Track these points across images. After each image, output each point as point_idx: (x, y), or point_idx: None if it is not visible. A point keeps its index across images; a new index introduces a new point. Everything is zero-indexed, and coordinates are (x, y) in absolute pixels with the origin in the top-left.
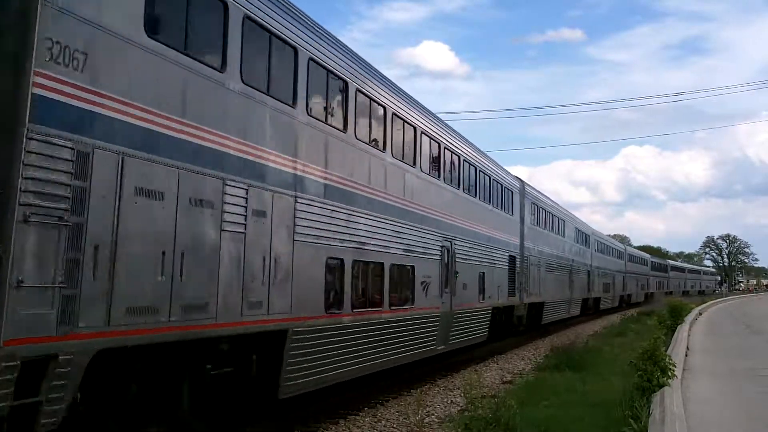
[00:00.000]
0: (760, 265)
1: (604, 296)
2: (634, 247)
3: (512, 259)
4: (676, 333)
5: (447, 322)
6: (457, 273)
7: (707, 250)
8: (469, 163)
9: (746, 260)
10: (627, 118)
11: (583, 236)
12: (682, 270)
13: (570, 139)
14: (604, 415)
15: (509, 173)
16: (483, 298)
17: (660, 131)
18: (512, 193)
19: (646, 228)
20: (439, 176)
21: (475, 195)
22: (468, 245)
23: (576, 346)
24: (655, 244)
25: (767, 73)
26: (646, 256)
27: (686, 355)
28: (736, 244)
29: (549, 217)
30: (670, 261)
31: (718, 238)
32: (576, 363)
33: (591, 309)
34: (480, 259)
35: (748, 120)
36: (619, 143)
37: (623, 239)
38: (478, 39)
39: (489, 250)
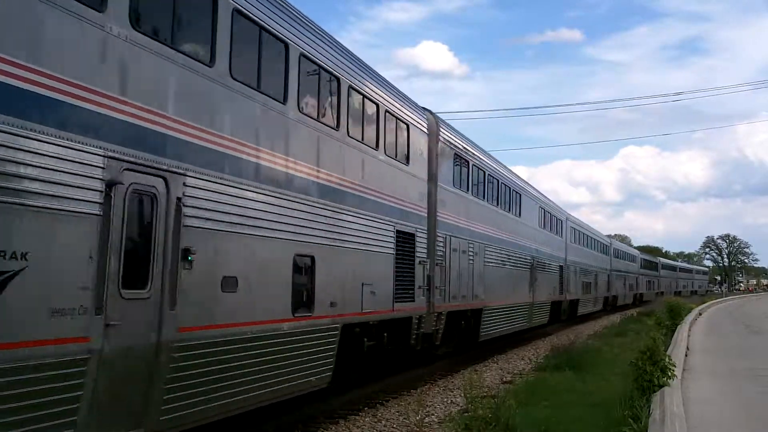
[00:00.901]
0: (760, 265)
1: (583, 298)
2: (634, 248)
3: (407, 239)
4: (676, 333)
5: (142, 371)
6: (193, 253)
7: (707, 250)
8: (270, 34)
9: (746, 260)
10: (626, 119)
11: (554, 221)
12: (673, 269)
13: (569, 140)
14: (604, 415)
15: (407, 98)
16: (311, 308)
17: (659, 131)
18: (408, 128)
19: (646, 228)
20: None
21: (286, 99)
22: (245, 193)
23: (576, 346)
24: (654, 244)
25: (766, 73)
26: (635, 252)
27: (686, 355)
28: (735, 244)
29: (492, 184)
30: (660, 258)
31: (718, 238)
32: (576, 363)
33: (565, 315)
34: (300, 231)
35: (747, 120)
36: (619, 143)
37: (623, 239)
38: (477, 39)
39: (334, 214)
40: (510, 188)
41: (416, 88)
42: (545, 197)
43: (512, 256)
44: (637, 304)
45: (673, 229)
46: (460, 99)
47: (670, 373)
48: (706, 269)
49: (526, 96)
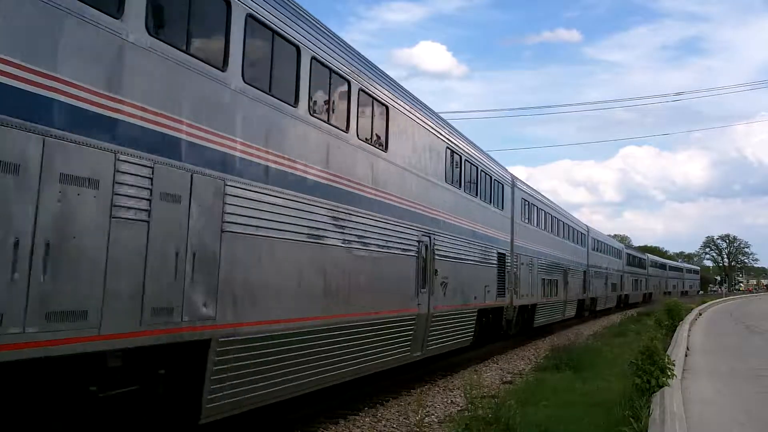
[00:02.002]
0: (760, 265)
1: (544, 303)
2: (634, 248)
3: None
4: (676, 333)
5: None
6: None
7: (707, 250)
8: None
9: (746, 260)
10: (625, 119)
11: (484, 180)
12: (663, 267)
13: (568, 140)
14: (604, 415)
15: None
16: None
17: (658, 131)
18: None
19: (646, 228)
20: None
21: None
22: None
23: (576, 346)
24: (654, 244)
25: (765, 73)
26: (619, 245)
27: (686, 355)
28: (735, 244)
29: (271, 48)
30: (649, 255)
31: (717, 238)
32: (576, 363)
33: (515, 328)
34: None
35: (746, 120)
36: (618, 143)
37: (624, 239)
38: (475, 40)
39: None
40: (340, 75)
41: (416, 87)
42: (464, 138)
43: (358, 222)
44: (621, 307)
45: (672, 229)
46: (460, 99)
47: (669, 373)
48: (698, 268)
49: (525, 96)
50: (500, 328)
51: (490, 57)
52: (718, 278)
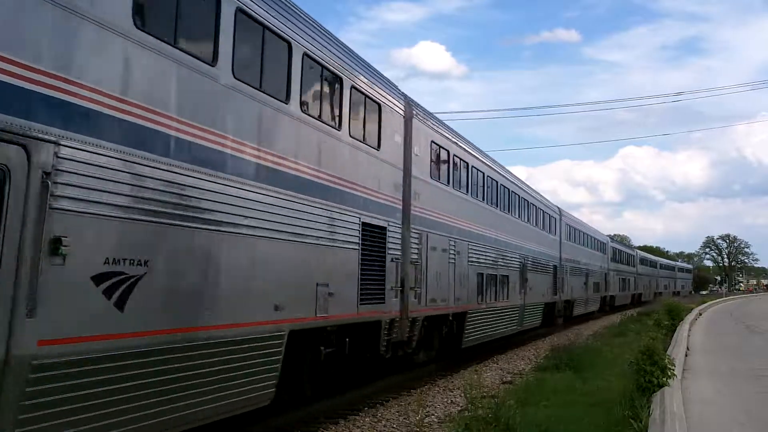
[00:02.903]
0: (760, 265)
1: (483, 311)
2: (621, 242)
3: None
4: (676, 333)
5: None
6: None
7: (707, 250)
8: None
9: (746, 260)
10: (625, 119)
11: (334, 90)
12: (653, 264)
13: (568, 140)
14: (604, 415)
15: None
16: None
17: (658, 131)
18: None
19: (646, 229)
20: None
21: None
22: None
23: (576, 346)
24: (654, 245)
25: (765, 73)
26: (603, 237)
27: (686, 355)
28: (735, 244)
29: None
30: (638, 251)
31: (717, 238)
32: (576, 363)
33: (420, 355)
34: None
35: (746, 120)
36: (618, 143)
37: (623, 239)
38: (474, 40)
39: None
40: None
41: (415, 87)
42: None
43: None
44: (606, 310)
45: (672, 229)
46: (459, 99)
47: (669, 373)
48: (690, 267)
49: (525, 96)
50: (379, 357)
51: (490, 57)
52: (718, 278)
